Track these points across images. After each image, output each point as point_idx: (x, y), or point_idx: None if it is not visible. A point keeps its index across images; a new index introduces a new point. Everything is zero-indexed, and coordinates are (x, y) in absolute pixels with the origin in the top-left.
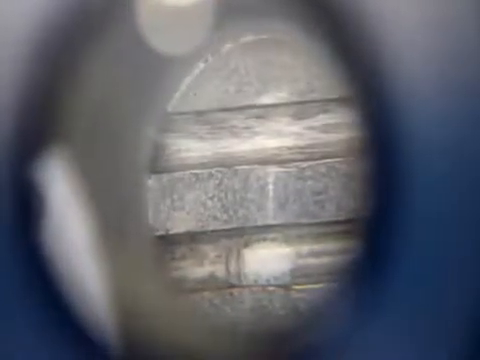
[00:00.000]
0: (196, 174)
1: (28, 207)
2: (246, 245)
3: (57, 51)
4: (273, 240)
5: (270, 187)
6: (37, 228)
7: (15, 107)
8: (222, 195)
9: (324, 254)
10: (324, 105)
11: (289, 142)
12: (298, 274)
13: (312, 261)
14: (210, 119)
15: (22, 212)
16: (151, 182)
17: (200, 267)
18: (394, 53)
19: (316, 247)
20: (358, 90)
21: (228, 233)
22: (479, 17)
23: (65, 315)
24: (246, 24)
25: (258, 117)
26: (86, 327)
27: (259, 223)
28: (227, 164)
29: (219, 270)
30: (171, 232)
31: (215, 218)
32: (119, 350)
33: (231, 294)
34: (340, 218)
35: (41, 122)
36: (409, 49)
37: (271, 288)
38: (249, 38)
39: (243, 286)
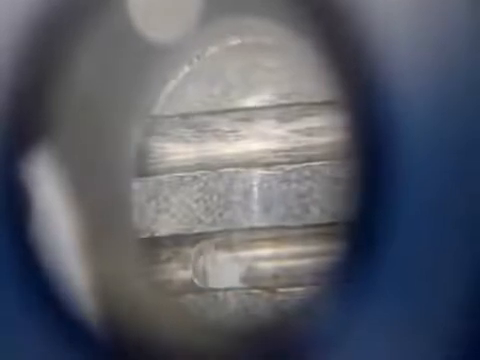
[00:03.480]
0: (181, 177)
1: (15, 205)
2: (231, 248)
3: (45, 42)
4: (258, 242)
5: (255, 190)
6: (24, 227)
7: (2, 102)
8: (207, 198)
9: (309, 256)
10: (309, 108)
11: (274, 145)
12: (283, 276)
13: (297, 263)
14: (195, 122)
15: (9, 210)
16: (136, 185)
17: (185, 270)
18: (381, 55)
19: (301, 249)
20: (344, 92)
21: (213, 236)
22: (470, 9)
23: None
24: (231, 27)
25: (243, 120)
26: (75, 324)
27: (244, 226)
28: (212, 167)
29: (203, 272)
30: (156, 235)
31: (200, 221)
32: (108, 346)
33: (215, 297)
34: (325, 221)
35: (29, 118)
36: (397, 50)
37: (256, 290)
38: (234, 41)
39: (227, 288)
